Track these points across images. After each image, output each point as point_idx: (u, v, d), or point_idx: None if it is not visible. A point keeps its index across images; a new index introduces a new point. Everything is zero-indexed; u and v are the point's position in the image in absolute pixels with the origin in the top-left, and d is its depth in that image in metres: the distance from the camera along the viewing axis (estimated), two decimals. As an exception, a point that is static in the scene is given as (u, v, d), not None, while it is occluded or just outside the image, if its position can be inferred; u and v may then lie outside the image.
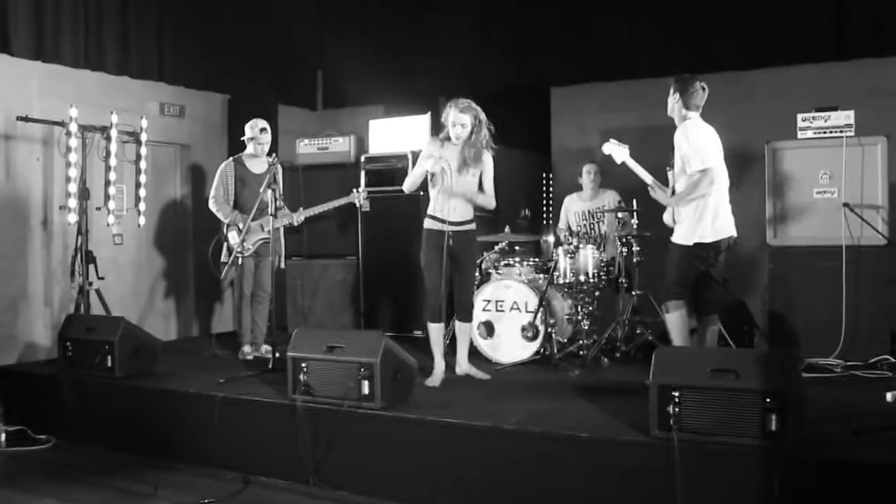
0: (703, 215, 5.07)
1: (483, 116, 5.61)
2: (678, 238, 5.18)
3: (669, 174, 5.46)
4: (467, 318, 5.81)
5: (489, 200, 5.73)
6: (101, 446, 5.60)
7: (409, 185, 5.71)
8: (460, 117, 5.55)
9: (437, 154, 5.59)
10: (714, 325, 5.42)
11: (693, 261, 5.13)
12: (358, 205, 6.85)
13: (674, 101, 5.21)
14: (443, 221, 5.62)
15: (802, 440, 3.75)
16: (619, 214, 6.95)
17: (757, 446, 3.74)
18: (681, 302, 5.17)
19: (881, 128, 6.28)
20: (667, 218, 5.38)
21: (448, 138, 5.61)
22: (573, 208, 7.35)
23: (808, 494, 3.63)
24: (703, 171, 5.01)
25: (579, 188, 7.35)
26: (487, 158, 5.67)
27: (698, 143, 5.05)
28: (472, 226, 5.75)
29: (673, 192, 5.30)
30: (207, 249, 6.53)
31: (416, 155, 5.96)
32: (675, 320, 5.18)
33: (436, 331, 5.71)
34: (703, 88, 5.16)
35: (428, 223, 5.69)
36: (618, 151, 5.54)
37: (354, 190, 6.72)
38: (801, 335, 6.27)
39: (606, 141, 5.62)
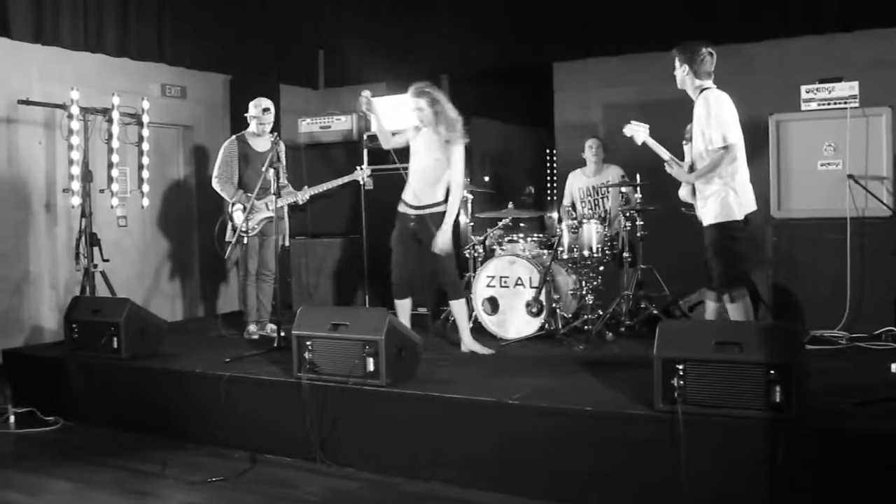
0: (741, 189, 4.88)
1: (440, 97, 5.56)
2: (717, 217, 4.89)
3: (686, 148, 5.29)
4: (457, 294, 5.79)
5: (453, 202, 5.60)
6: (109, 427, 5.64)
7: (383, 143, 5.93)
8: (416, 101, 5.55)
9: (410, 136, 5.68)
10: None
11: (738, 234, 4.90)
12: (361, 182, 6.86)
13: (683, 73, 4.96)
14: (407, 205, 5.67)
15: (807, 412, 3.75)
16: (623, 189, 6.93)
17: (761, 418, 3.75)
18: (744, 290, 4.92)
19: (886, 99, 6.22)
20: (683, 193, 5.24)
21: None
22: (577, 184, 7.32)
23: (813, 465, 3.64)
24: (725, 148, 4.81)
25: (583, 163, 7.32)
26: (456, 149, 5.55)
27: (720, 116, 4.82)
28: (439, 208, 5.64)
29: (691, 168, 5.12)
30: (212, 230, 6.56)
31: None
32: (742, 309, 4.90)
33: (400, 307, 5.81)
34: (711, 54, 4.91)
35: (399, 206, 5.77)
36: (638, 132, 5.32)
37: (357, 168, 6.72)
38: (805, 307, 6.25)
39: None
